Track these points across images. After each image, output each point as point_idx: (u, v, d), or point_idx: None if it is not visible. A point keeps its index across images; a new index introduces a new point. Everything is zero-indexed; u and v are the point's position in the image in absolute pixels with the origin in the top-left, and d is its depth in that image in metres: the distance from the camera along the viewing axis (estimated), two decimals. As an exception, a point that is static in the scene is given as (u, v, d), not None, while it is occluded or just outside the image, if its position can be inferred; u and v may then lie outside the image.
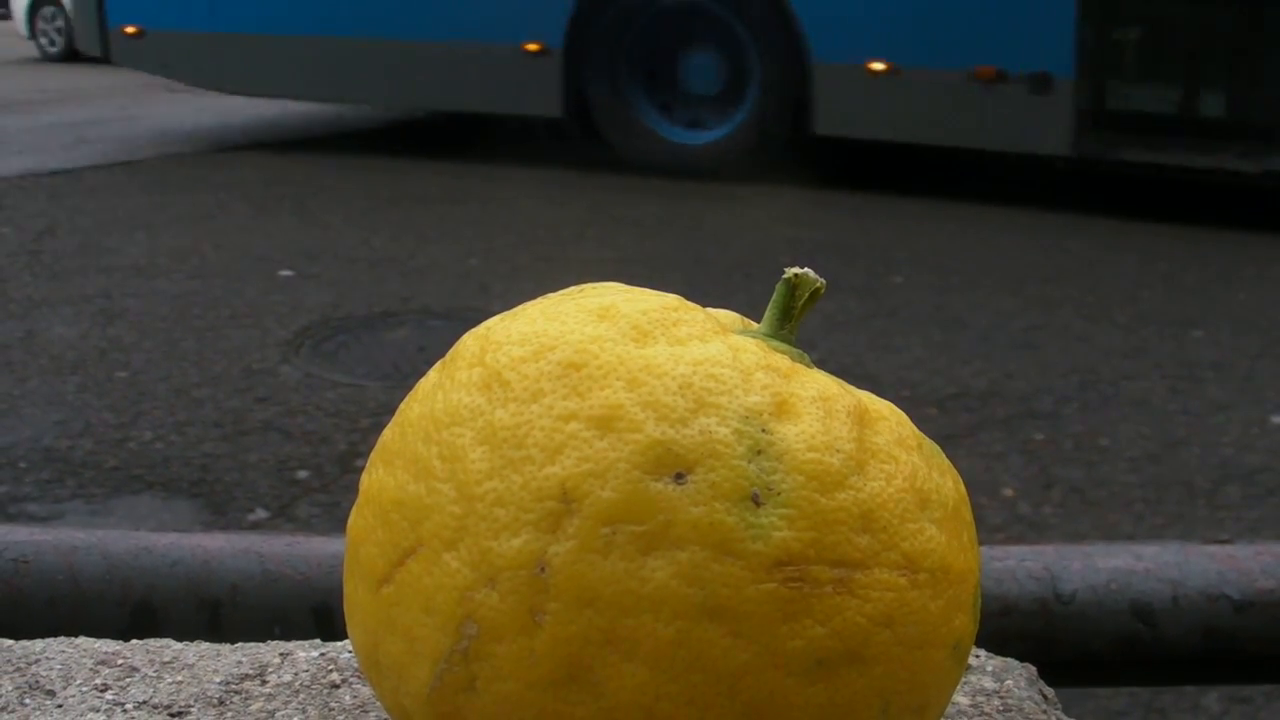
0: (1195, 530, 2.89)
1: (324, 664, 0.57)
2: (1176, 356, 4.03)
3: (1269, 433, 3.43)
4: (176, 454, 3.19)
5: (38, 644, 0.58)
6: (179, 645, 0.59)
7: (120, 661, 0.57)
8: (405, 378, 3.68)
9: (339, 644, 0.59)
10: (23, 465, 3.11)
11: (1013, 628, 0.68)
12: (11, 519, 2.83)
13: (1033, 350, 4.07)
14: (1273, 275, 4.99)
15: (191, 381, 3.68)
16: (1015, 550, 0.72)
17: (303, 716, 0.53)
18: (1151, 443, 3.34)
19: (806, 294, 0.45)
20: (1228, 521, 2.93)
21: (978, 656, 0.59)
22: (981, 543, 0.71)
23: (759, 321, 0.45)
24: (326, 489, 3.01)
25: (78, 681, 0.55)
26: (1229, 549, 0.72)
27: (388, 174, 6.78)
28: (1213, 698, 2.30)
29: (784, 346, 0.44)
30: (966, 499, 0.44)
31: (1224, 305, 4.56)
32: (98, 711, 0.52)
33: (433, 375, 0.44)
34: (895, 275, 4.91)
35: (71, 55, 12.78)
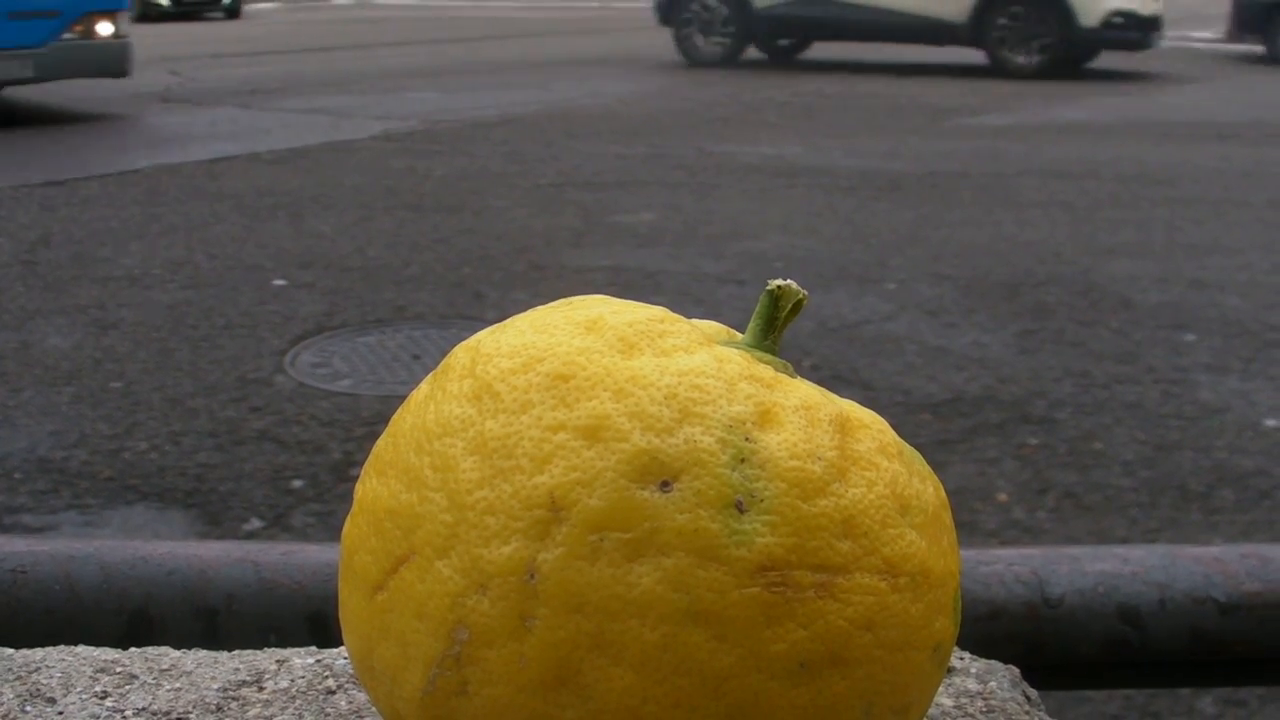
0: (1189, 534, 2.89)
1: (320, 670, 0.58)
2: (1169, 360, 4.04)
3: (1262, 436, 3.44)
4: (171, 464, 3.19)
5: (38, 652, 0.59)
6: (177, 653, 0.59)
7: (119, 669, 0.57)
8: (399, 386, 3.68)
9: (334, 651, 0.60)
10: (17, 476, 3.11)
11: (1001, 631, 0.68)
12: (7, 530, 2.83)
13: (1026, 355, 4.08)
14: (1265, 280, 5.00)
15: (186, 391, 3.68)
16: (1003, 554, 0.72)
17: (299, 722, 0.53)
18: (1145, 447, 3.36)
19: (789, 305, 0.45)
20: (1222, 525, 2.94)
21: (961, 659, 0.60)
22: (975, 547, 0.72)
23: (744, 332, 0.46)
24: (321, 498, 3.01)
25: (78, 689, 0.55)
26: (1215, 551, 0.73)
27: (381, 183, 6.78)
28: (1207, 701, 2.30)
29: (767, 357, 0.45)
30: (947, 504, 0.45)
31: (1217, 308, 4.58)
32: (98, 718, 0.53)
33: (424, 387, 0.45)
34: (889, 281, 4.92)
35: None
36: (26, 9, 8.43)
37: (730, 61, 12.81)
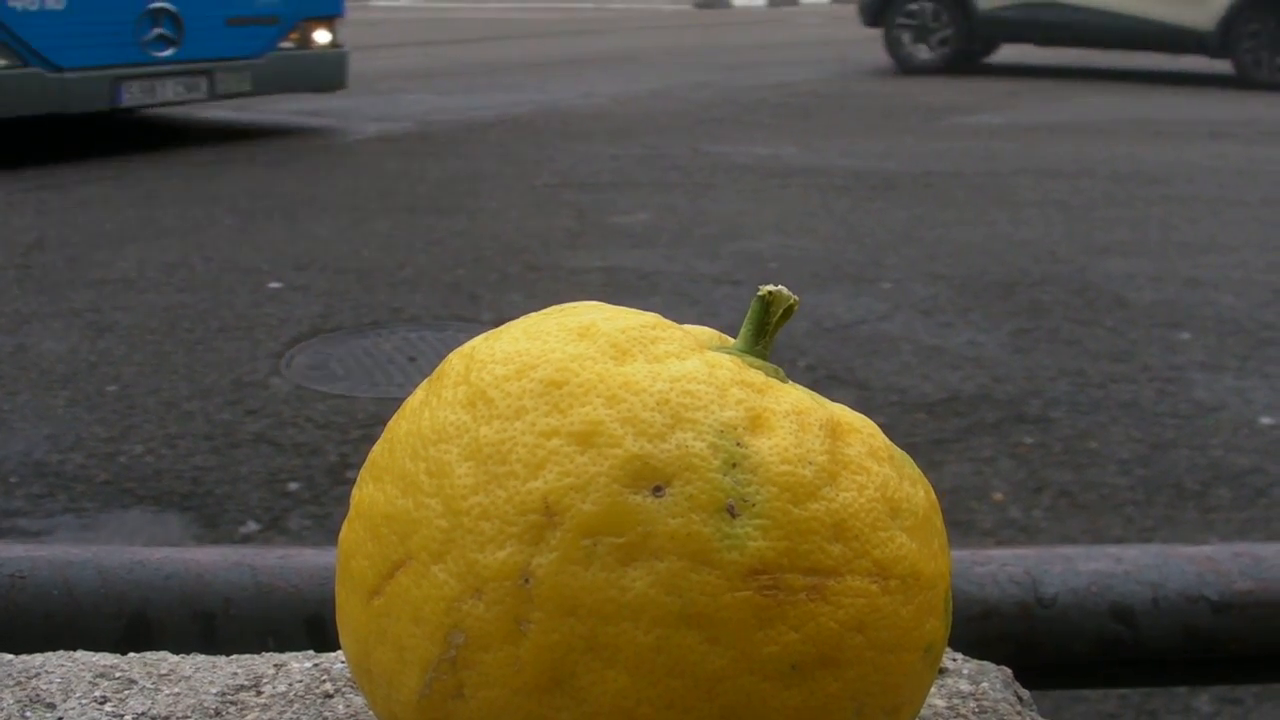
0: (1185, 533, 2.90)
1: (317, 674, 0.58)
2: (1165, 359, 4.04)
3: (1258, 434, 3.44)
4: (167, 467, 3.19)
5: (37, 658, 0.59)
6: (175, 658, 0.60)
7: (118, 674, 0.58)
8: (395, 389, 3.68)
9: (332, 654, 0.60)
10: (13, 480, 3.11)
11: (994, 631, 0.69)
12: (3, 534, 2.83)
13: (1022, 354, 4.09)
14: (1260, 278, 5.01)
15: (182, 394, 3.68)
16: (996, 554, 0.73)
17: (297, 726, 0.54)
18: (1141, 445, 3.36)
19: (780, 310, 0.46)
20: (1217, 524, 2.94)
21: (954, 659, 0.60)
22: (970, 547, 0.72)
23: (736, 336, 0.47)
24: (318, 501, 3.01)
25: (77, 694, 0.56)
26: (1207, 550, 0.73)
27: (376, 185, 6.78)
28: (1204, 699, 2.31)
29: (759, 362, 0.45)
30: (937, 507, 0.46)
31: (1212, 307, 4.59)
32: (96, 723, 0.53)
33: (419, 393, 0.45)
34: (884, 281, 4.93)
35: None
36: (246, 14, 7.60)
37: (948, 69, 12.02)
